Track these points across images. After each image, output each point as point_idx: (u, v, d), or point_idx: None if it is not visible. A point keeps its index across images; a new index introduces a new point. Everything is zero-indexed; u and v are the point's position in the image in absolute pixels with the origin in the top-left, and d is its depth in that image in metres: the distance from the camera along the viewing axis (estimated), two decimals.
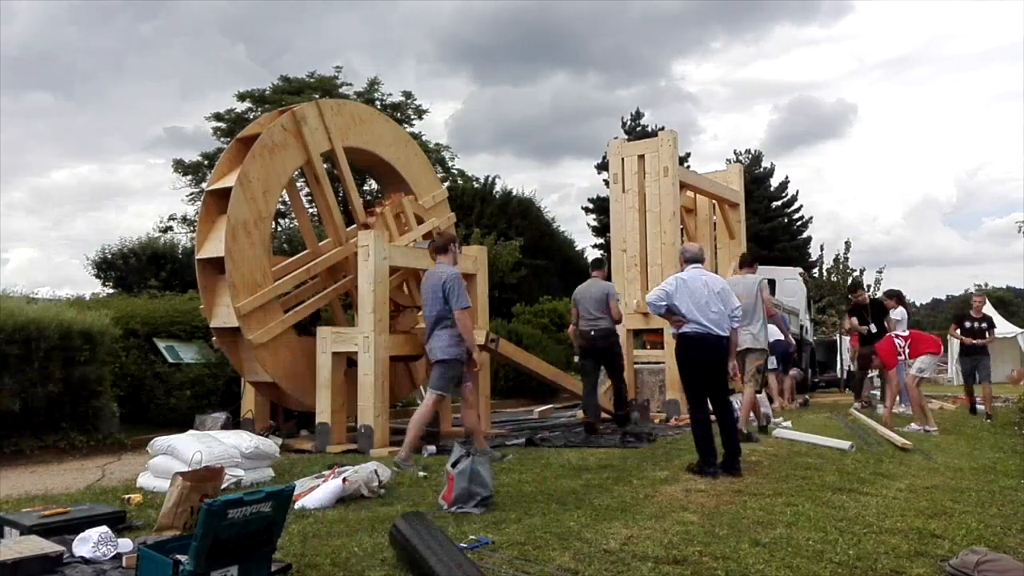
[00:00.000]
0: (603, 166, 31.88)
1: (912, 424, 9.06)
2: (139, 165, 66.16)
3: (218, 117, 26.88)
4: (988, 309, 28.05)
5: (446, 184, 18.89)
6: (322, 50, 75.00)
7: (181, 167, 27.56)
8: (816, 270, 35.40)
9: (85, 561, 3.48)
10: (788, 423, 8.53)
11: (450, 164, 29.15)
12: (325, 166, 9.18)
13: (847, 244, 35.24)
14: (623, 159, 10.81)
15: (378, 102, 27.32)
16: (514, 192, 26.47)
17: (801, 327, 16.72)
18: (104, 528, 3.73)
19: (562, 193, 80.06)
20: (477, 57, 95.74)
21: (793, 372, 12.87)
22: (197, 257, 7.90)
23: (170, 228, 26.57)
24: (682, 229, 10.62)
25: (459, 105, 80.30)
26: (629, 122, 39.18)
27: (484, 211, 24.30)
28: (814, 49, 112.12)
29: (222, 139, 26.04)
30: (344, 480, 4.85)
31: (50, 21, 72.19)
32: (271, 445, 5.95)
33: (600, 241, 35.11)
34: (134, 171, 66.63)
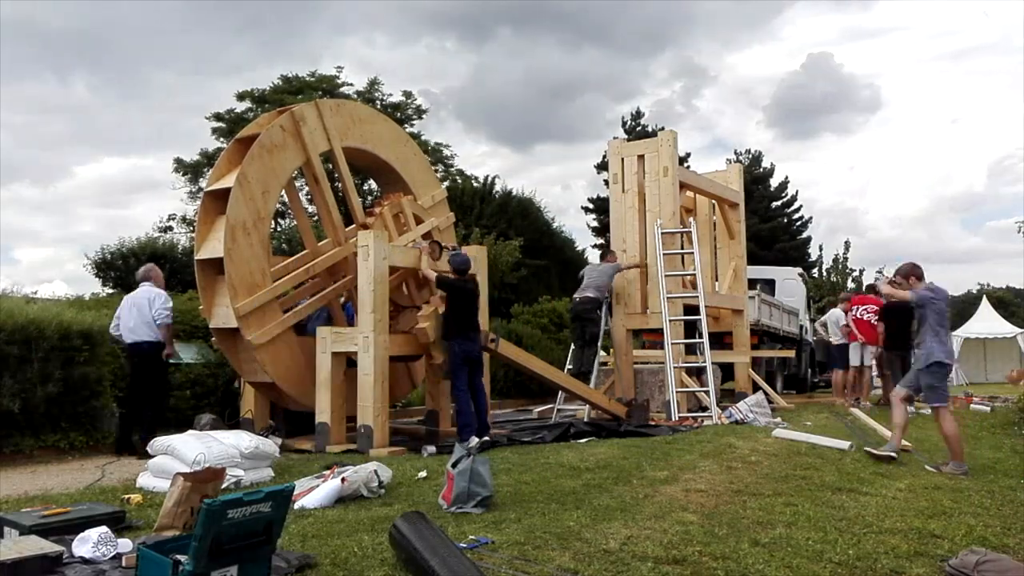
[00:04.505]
0: (603, 166, 31.89)
1: None
2: (149, 160, 65.49)
3: (218, 117, 26.90)
4: (987, 309, 28.13)
5: (446, 184, 18.90)
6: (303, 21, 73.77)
7: (181, 166, 27.60)
8: (816, 270, 35.46)
9: (85, 561, 3.48)
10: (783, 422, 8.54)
11: (450, 164, 29.24)
12: (325, 166, 9.19)
13: (847, 244, 35.31)
14: (623, 159, 10.81)
15: (378, 102, 27.36)
16: (514, 192, 26.48)
17: (800, 327, 16.73)
18: (104, 528, 3.73)
19: (562, 182, 79.26)
20: (465, 28, 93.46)
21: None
22: (196, 258, 7.90)
23: (170, 228, 26.63)
24: (687, 232, 10.60)
25: (452, 83, 78.95)
26: (629, 122, 39.21)
27: (484, 211, 24.29)
28: (836, 38, 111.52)
29: (221, 139, 26.08)
30: (343, 479, 4.85)
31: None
32: (271, 445, 5.95)
33: (600, 241, 35.13)
34: (154, 165, 65.83)
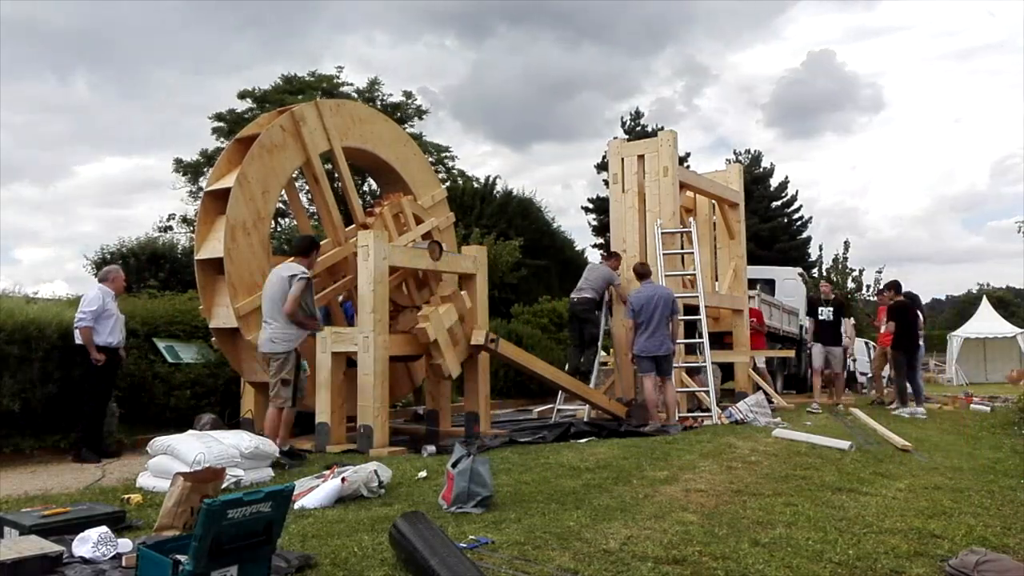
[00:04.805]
0: (603, 166, 31.90)
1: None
2: (151, 160, 65.03)
3: (218, 117, 26.91)
4: (987, 309, 28.07)
5: (446, 184, 18.91)
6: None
7: (181, 166, 27.61)
8: (816, 270, 35.49)
9: (85, 561, 3.48)
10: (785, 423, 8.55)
11: (450, 164, 29.24)
12: (325, 167, 9.18)
13: (846, 244, 35.30)
14: (623, 159, 10.80)
15: (378, 102, 27.37)
16: (514, 192, 26.51)
17: (801, 327, 16.73)
18: (104, 528, 3.73)
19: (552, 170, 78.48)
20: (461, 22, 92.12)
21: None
22: (196, 258, 7.90)
23: (169, 228, 26.64)
24: (687, 232, 10.60)
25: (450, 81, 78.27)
26: (629, 122, 39.22)
27: (484, 211, 24.30)
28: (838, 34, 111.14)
29: (221, 139, 26.08)
30: (343, 480, 4.85)
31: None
32: (271, 445, 5.95)
33: (600, 241, 35.15)
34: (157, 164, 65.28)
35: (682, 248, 10.48)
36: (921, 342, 12.10)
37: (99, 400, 7.43)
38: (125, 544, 3.66)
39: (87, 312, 7.27)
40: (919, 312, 12.15)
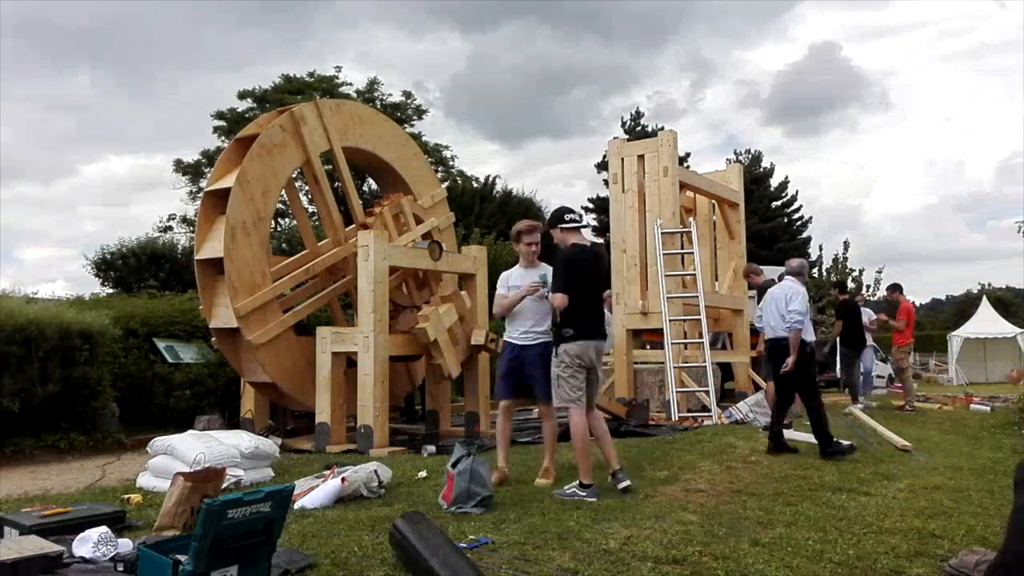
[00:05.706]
0: (603, 165, 31.89)
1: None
2: (156, 159, 64.79)
3: (219, 116, 26.92)
4: (987, 309, 28.01)
5: (446, 184, 18.90)
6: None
7: (180, 167, 27.64)
8: (816, 270, 35.47)
9: (85, 561, 3.48)
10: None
11: (450, 164, 29.26)
12: (325, 167, 9.19)
13: (846, 244, 35.22)
14: (623, 159, 10.80)
15: (378, 102, 27.38)
16: (514, 192, 26.55)
17: None
18: (104, 528, 3.73)
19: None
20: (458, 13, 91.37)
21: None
22: (196, 258, 7.90)
23: (170, 228, 26.68)
24: (687, 232, 10.60)
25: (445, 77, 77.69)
26: (629, 121, 39.20)
27: (484, 211, 24.33)
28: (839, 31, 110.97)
29: (222, 138, 26.10)
30: (343, 480, 4.85)
31: None
32: (271, 445, 5.96)
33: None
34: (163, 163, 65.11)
35: (682, 248, 10.48)
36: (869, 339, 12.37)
37: None
38: (125, 544, 3.66)
39: None
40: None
